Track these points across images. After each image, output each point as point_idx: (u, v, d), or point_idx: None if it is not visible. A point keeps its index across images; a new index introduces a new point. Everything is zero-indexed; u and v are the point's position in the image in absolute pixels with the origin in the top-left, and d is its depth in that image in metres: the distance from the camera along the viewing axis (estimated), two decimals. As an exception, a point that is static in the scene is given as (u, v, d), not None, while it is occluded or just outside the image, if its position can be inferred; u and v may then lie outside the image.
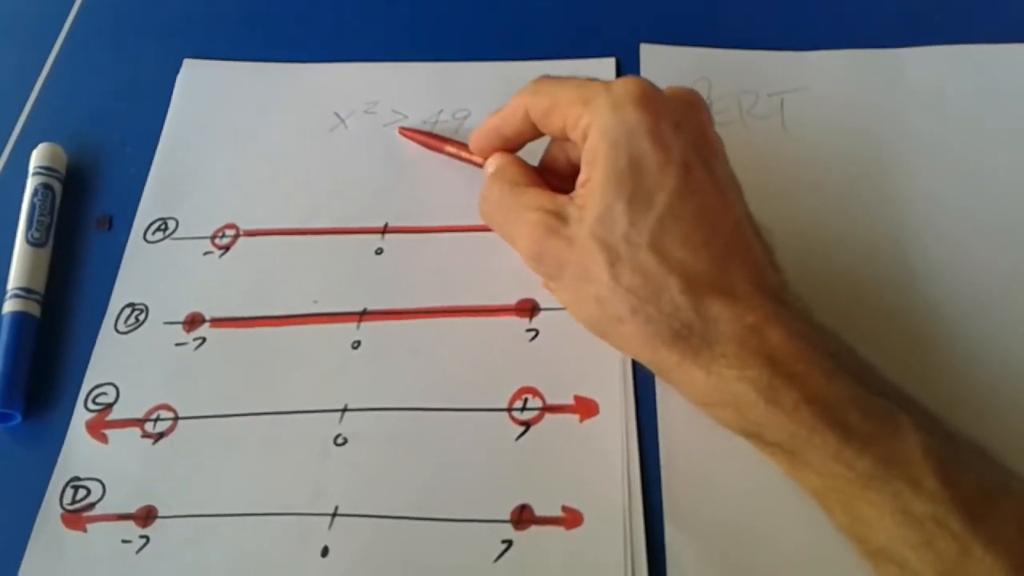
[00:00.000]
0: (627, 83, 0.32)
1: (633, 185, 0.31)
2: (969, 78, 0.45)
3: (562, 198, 0.33)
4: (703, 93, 0.44)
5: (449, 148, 0.44)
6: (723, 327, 0.30)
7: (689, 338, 0.30)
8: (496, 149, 0.39)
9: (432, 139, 0.45)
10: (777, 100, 0.45)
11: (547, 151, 0.38)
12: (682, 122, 0.32)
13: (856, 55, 0.46)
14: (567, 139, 0.35)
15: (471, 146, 0.40)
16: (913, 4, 0.48)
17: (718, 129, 0.44)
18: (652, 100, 0.32)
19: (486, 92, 0.47)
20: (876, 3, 0.48)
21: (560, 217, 0.33)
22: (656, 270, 0.30)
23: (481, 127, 0.39)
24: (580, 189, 0.33)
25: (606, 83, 0.33)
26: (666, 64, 0.46)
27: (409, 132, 0.45)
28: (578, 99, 0.33)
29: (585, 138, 0.32)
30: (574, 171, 0.34)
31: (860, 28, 0.47)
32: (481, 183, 0.38)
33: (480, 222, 0.42)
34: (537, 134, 0.37)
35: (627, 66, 0.47)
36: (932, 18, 0.47)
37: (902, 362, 0.32)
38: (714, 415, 0.32)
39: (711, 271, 0.31)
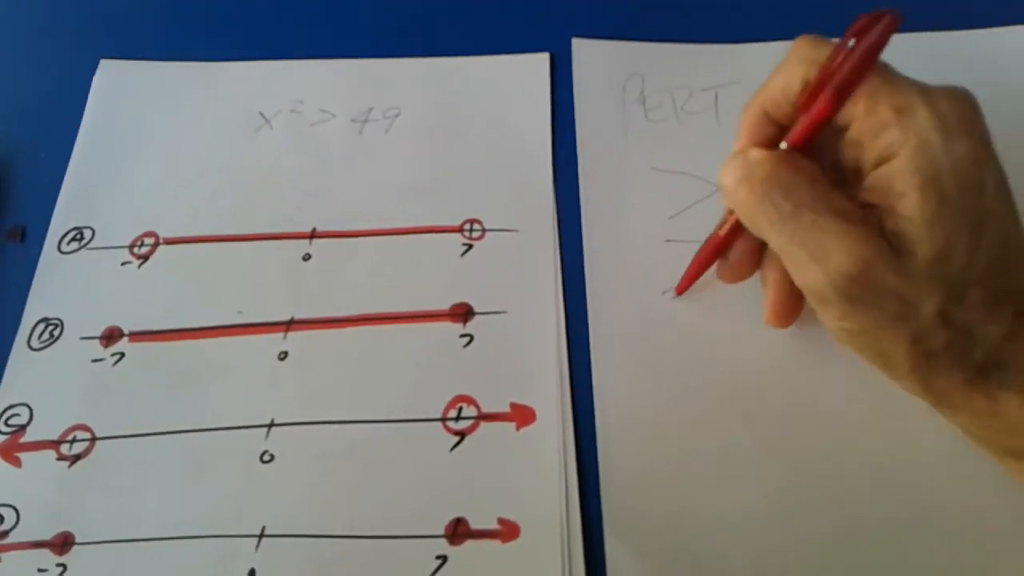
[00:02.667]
0: (953, 102, 0.28)
1: (966, 218, 0.28)
2: (905, 68, 0.44)
3: (872, 214, 0.29)
4: (636, 89, 0.44)
5: (717, 240, 0.35)
6: (1022, 357, 0.29)
7: (983, 366, 0.29)
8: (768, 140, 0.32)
9: (699, 262, 0.37)
10: (711, 95, 0.44)
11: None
12: (989, 138, 0.29)
13: (789, 47, 0.45)
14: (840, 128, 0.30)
15: (742, 135, 0.33)
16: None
17: (652, 126, 0.44)
18: (978, 122, 0.28)
19: (417, 89, 0.46)
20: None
21: (885, 240, 0.28)
22: (982, 303, 0.28)
23: (747, 115, 0.32)
24: (899, 219, 0.28)
25: (921, 89, 0.28)
26: (599, 59, 0.46)
27: (682, 286, 0.38)
28: (888, 104, 0.28)
29: (890, 155, 0.28)
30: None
31: (794, 20, 0.47)
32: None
33: (413, 224, 0.41)
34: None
35: (560, 61, 0.46)
36: (866, 8, 0.47)
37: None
38: (982, 436, 0.32)
39: None
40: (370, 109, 0.45)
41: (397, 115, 0.45)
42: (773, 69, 0.44)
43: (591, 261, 0.40)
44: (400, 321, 0.39)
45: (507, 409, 0.37)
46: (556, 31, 0.47)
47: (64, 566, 0.34)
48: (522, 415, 0.36)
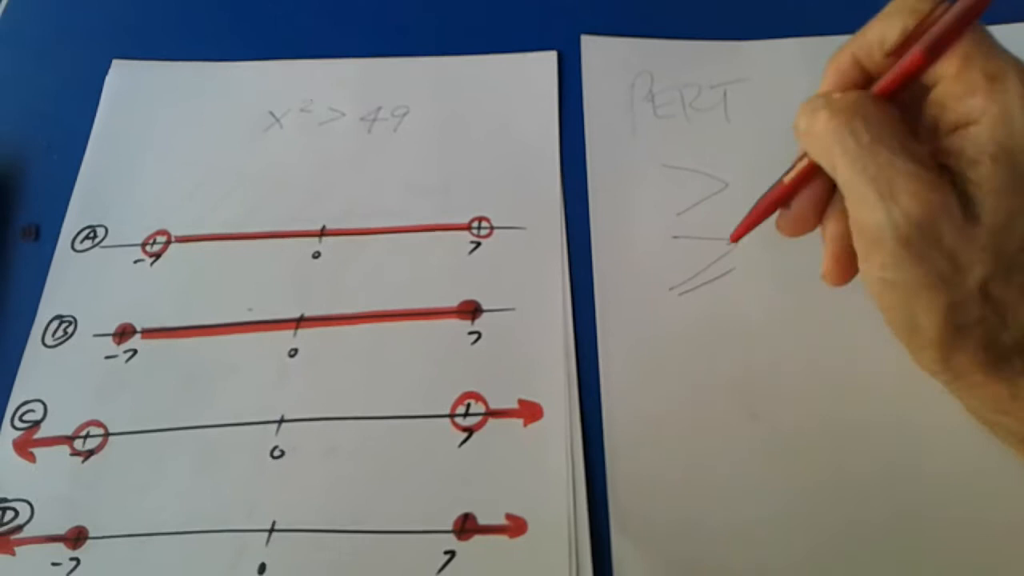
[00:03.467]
0: None
1: None
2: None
3: (944, 173, 0.28)
4: (645, 87, 0.44)
5: (782, 188, 0.34)
6: None
7: (1009, 351, 0.29)
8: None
9: (760, 210, 0.36)
10: (720, 92, 0.44)
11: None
12: None
13: (798, 44, 0.46)
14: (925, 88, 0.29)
15: (827, 79, 0.32)
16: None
17: (661, 123, 0.44)
18: None
19: (425, 88, 0.46)
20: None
21: (956, 198, 0.28)
22: (1023, 287, 0.28)
23: (836, 59, 0.31)
24: (969, 183, 0.28)
25: (1017, 63, 0.28)
26: (608, 56, 0.46)
27: (740, 231, 0.37)
28: (981, 70, 0.27)
29: (971, 120, 0.28)
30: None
31: (803, 17, 0.47)
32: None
33: (421, 222, 0.42)
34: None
35: (569, 59, 0.46)
36: (876, 5, 0.46)
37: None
38: (998, 421, 0.31)
39: None
40: (379, 108, 0.46)
41: (406, 114, 0.45)
42: (779, 67, 0.45)
43: (599, 258, 0.40)
44: (409, 318, 0.39)
45: (515, 405, 0.37)
46: (564, 29, 0.47)
47: (77, 560, 0.35)
48: (530, 411, 0.37)
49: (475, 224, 0.42)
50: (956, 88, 0.28)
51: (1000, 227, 0.27)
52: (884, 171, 0.28)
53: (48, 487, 0.36)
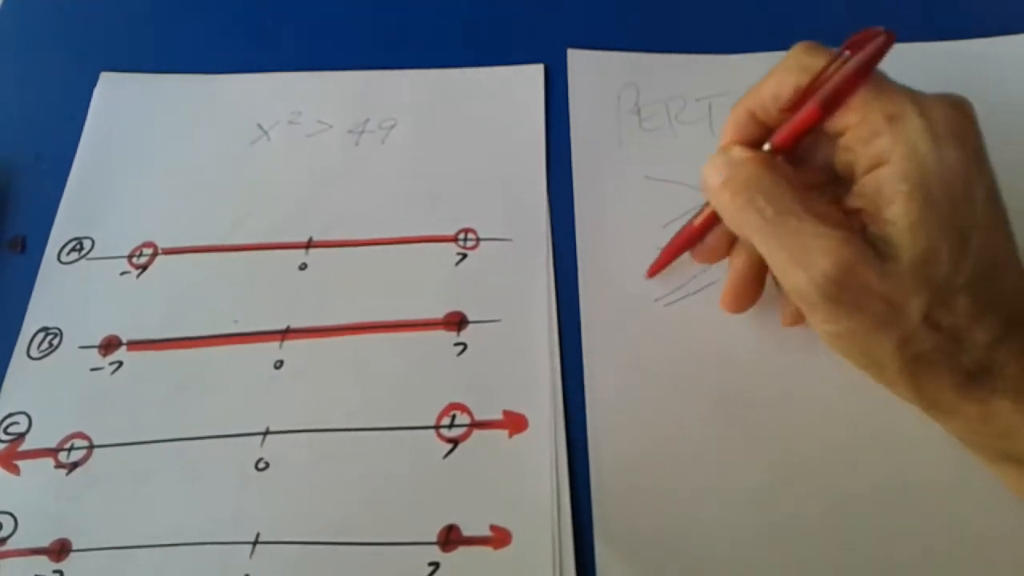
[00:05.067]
0: (947, 110, 0.28)
1: (952, 225, 0.28)
2: (903, 78, 0.45)
3: (855, 219, 0.30)
4: (631, 100, 0.45)
5: (692, 230, 0.36)
6: (1012, 362, 0.29)
7: (973, 372, 0.29)
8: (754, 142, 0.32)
9: (672, 248, 0.38)
10: (705, 105, 0.45)
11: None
12: (984, 149, 0.29)
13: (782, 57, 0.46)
14: (830, 136, 0.31)
15: (726, 133, 0.33)
16: (839, 6, 0.48)
17: (646, 135, 0.44)
18: (972, 132, 0.29)
19: (413, 101, 0.46)
20: (802, 5, 0.48)
21: (869, 243, 0.29)
22: (970, 310, 0.28)
23: (734, 114, 0.33)
24: (885, 223, 0.29)
25: (914, 98, 0.29)
26: (594, 69, 0.46)
27: (655, 268, 0.40)
28: (880, 112, 0.29)
29: (881, 162, 0.29)
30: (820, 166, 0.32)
31: (788, 30, 0.46)
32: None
33: (408, 233, 0.42)
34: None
35: (555, 72, 0.46)
36: (859, 18, 0.47)
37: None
38: (977, 441, 0.32)
39: (1015, 305, 0.29)
40: (366, 120, 0.46)
41: (393, 126, 0.46)
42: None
43: (584, 269, 0.40)
44: (395, 330, 0.39)
45: (500, 417, 0.37)
46: (551, 42, 0.47)
47: (61, 572, 0.35)
48: (515, 423, 0.37)
49: (461, 236, 0.42)
50: (861, 133, 0.29)
51: (923, 259, 0.28)
52: (795, 239, 0.29)
53: (32, 500, 0.36)
